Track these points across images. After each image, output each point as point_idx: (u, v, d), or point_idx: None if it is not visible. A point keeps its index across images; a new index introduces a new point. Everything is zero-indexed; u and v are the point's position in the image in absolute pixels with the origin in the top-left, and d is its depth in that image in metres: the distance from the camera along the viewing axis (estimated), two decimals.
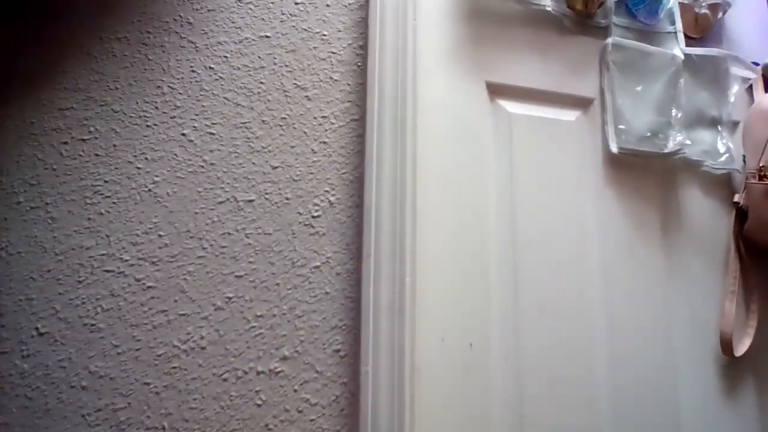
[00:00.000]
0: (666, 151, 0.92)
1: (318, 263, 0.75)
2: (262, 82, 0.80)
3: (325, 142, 0.80)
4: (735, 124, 1.02)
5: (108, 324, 0.68)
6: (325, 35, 0.85)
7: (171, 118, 0.77)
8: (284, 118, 0.80)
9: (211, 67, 0.80)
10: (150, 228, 0.72)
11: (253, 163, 0.77)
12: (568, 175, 0.89)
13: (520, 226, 0.83)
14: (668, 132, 0.93)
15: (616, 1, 0.95)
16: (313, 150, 0.80)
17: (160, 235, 0.72)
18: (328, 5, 0.86)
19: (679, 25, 0.98)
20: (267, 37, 0.82)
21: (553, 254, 0.84)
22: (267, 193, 0.77)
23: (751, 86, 1.04)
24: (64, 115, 0.74)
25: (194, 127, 0.77)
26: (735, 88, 1.01)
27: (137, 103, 0.76)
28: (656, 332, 0.88)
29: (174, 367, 0.68)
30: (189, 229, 0.73)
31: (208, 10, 0.82)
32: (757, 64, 1.03)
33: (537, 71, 0.90)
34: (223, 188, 0.75)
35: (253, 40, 0.82)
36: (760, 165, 0.91)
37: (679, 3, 0.99)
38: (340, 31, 0.85)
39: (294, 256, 0.75)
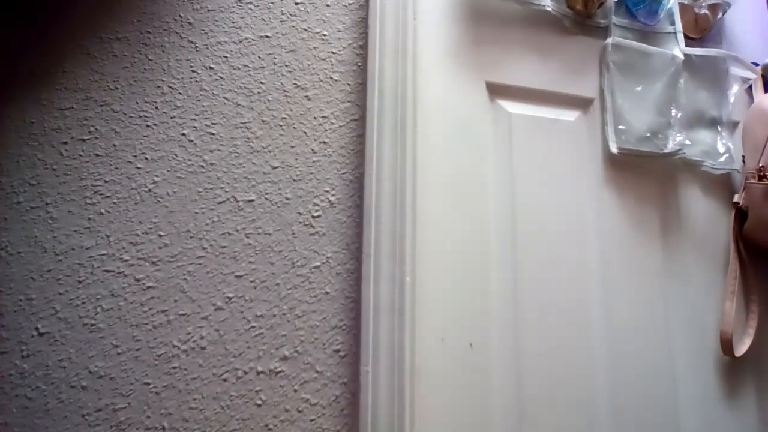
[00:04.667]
0: (666, 151, 0.92)
1: (318, 263, 0.75)
2: (262, 82, 0.80)
3: (325, 142, 0.80)
4: (735, 124, 1.02)
5: (108, 324, 0.68)
6: (325, 35, 0.85)
7: (171, 118, 0.77)
8: (284, 118, 0.80)
9: (211, 67, 0.80)
10: (150, 228, 0.72)
11: (253, 163, 0.77)
12: (568, 175, 0.89)
13: (520, 226, 0.84)
14: (668, 132, 0.93)
15: (616, 1, 0.95)
16: (313, 150, 0.80)
17: (160, 235, 0.72)
18: (328, 5, 0.86)
19: (678, 26, 0.98)
20: (267, 37, 0.82)
21: (553, 254, 0.84)
22: (267, 193, 0.77)
23: (750, 86, 1.04)
24: (64, 115, 0.74)
25: (194, 127, 0.77)
26: (735, 89, 1.01)
27: (137, 103, 0.76)
28: (656, 332, 0.88)
29: (174, 367, 0.68)
30: (189, 229, 0.73)
31: (208, 10, 0.82)
32: (756, 64, 1.04)
33: (537, 71, 0.90)
34: (223, 188, 0.75)
35: (253, 40, 0.82)
36: (760, 165, 0.91)
37: (679, 3, 0.99)
38: (340, 31, 0.85)
39: (294, 256, 0.75)
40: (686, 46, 0.97)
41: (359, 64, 0.84)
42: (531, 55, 0.90)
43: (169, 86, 0.78)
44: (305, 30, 0.84)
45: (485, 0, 0.89)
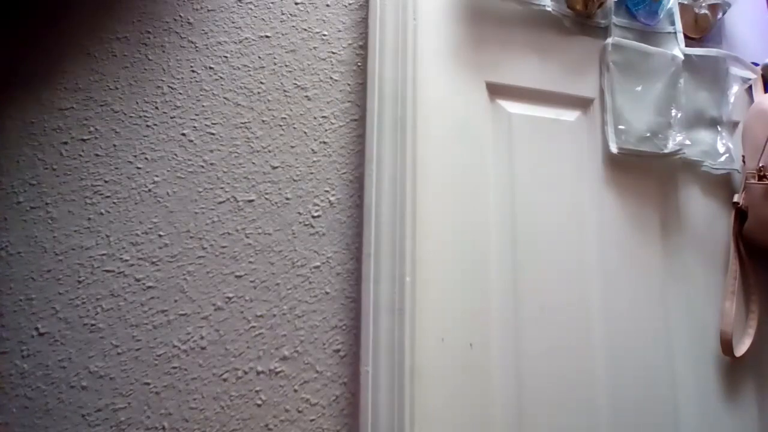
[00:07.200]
0: (666, 151, 0.92)
1: (318, 263, 0.75)
2: (262, 82, 0.80)
3: (325, 142, 0.80)
4: (734, 124, 1.02)
5: (108, 324, 0.68)
6: (325, 35, 0.85)
7: (171, 118, 0.77)
8: (284, 118, 0.80)
9: (211, 67, 0.80)
10: (150, 228, 0.72)
11: (253, 163, 0.77)
12: (568, 175, 0.89)
13: (520, 226, 0.83)
14: (668, 132, 0.93)
15: (616, 1, 0.95)
16: (313, 150, 0.80)
17: (160, 235, 0.72)
18: (328, 5, 0.86)
19: (678, 26, 0.98)
20: (267, 37, 0.82)
21: (552, 254, 0.84)
22: (267, 193, 0.77)
23: (750, 86, 1.04)
24: (64, 115, 0.74)
25: (194, 127, 0.77)
26: (735, 89, 1.01)
27: (137, 103, 0.76)
28: (656, 332, 0.88)
29: (174, 367, 0.68)
30: (189, 229, 0.73)
31: (208, 10, 0.82)
32: (756, 64, 1.04)
33: (537, 71, 0.90)
34: (223, 188, 0.75)
35: (253, 40, 0.82)
36: (760, 165, 0.91)
37: (679, 3, 0.99)
38: (340, 31, 0.85)
39: (294, 256, 0.75)
40: (686, 46, 0.97)
41: (359, 64, 0.84)
42: (531, 55, 0.90)
43: (169, 86, 0.78)
44: (305, 30, 0.84)
45: (485, 0, 0.89)
